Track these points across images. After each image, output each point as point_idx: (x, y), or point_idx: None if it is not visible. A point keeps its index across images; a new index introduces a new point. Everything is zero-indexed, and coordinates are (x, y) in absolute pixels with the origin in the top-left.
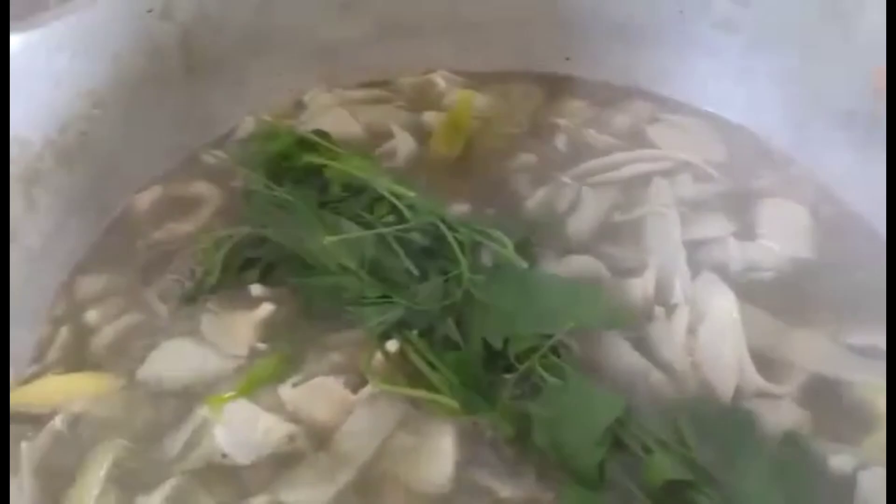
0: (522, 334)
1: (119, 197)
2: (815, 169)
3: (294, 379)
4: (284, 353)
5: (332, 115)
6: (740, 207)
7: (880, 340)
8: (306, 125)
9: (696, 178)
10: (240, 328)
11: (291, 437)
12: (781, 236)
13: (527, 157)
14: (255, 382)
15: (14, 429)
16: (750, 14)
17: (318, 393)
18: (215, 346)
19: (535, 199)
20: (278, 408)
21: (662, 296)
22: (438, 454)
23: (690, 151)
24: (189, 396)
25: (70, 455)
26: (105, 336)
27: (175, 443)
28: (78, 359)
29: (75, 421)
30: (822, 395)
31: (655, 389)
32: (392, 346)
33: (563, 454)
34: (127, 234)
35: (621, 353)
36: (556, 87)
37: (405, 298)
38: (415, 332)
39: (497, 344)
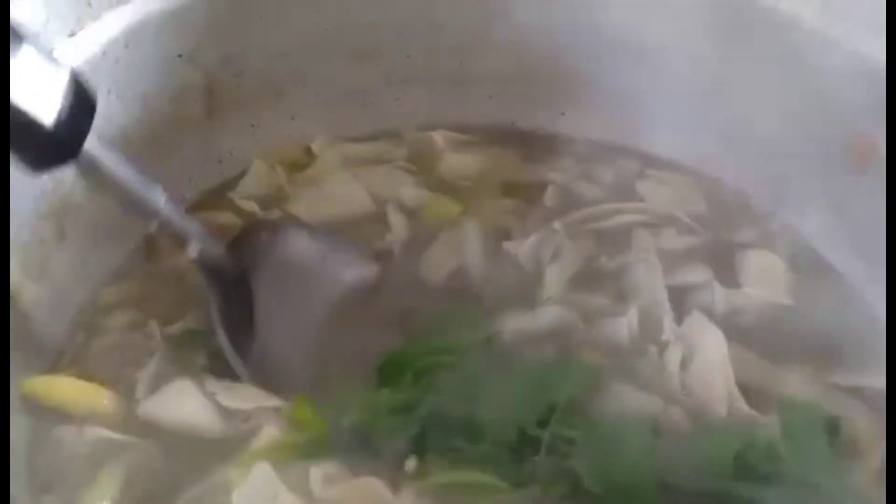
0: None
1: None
2: (794, 223)
3: (327, 465)
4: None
5: (339, 180)
6: (722, 257)
7: (862, 381)
8: (313, 190)
9: (679, 231)
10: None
11: None
12: (761, 284)
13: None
14: (286, 451)
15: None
16: (732, 81)
17: (354, 489)
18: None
19: (524, 248)
20: (302, 489)
21: (651, 334)
22: None
23: (674, 205)
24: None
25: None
26: (112, 357)
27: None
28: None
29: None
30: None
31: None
32: (410, 465)
33: (621, 493)
34: (148, 260)
35: (627, 397)
36: (546, 143)
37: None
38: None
39: (512, 435)
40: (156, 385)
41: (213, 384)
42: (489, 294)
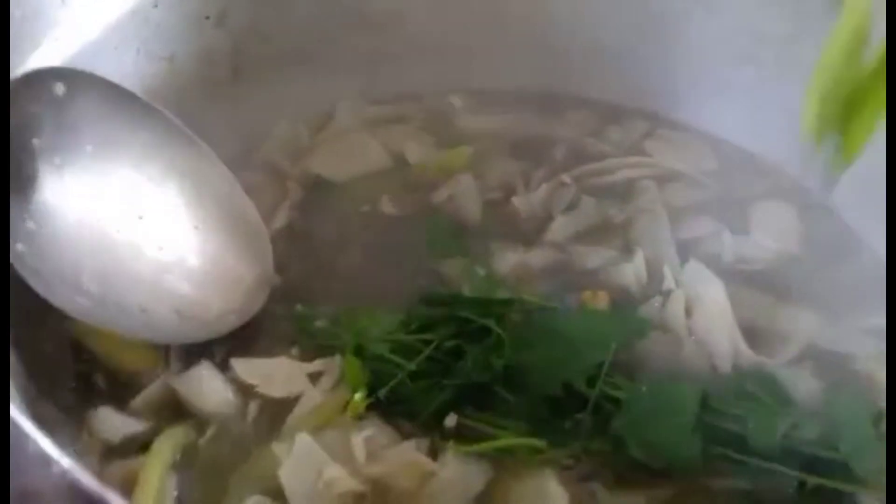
0: (576, 371)
1: None
2: (803, 177)
3: (368, 430)
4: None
5: (358, 138)
6: (732, 209)
7: (876, 321)
8: (333, 147)
9: (687, 185)
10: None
11: (358, 498)
12: (771, 234)
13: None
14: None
15: None
16: (757, 50)
17: (396, 459)
18: None
19: (532, 201)
20: (346, 458)
21: (656, 284)
22: (548, 498)
23: (683, 162)
24: None
25: None
26: None
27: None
28: None
29: None
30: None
31: (691, 361)
32: (451, 420)
33: (663, 457)
34: None
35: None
36: (560, 103)
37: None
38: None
39: (557, 390)
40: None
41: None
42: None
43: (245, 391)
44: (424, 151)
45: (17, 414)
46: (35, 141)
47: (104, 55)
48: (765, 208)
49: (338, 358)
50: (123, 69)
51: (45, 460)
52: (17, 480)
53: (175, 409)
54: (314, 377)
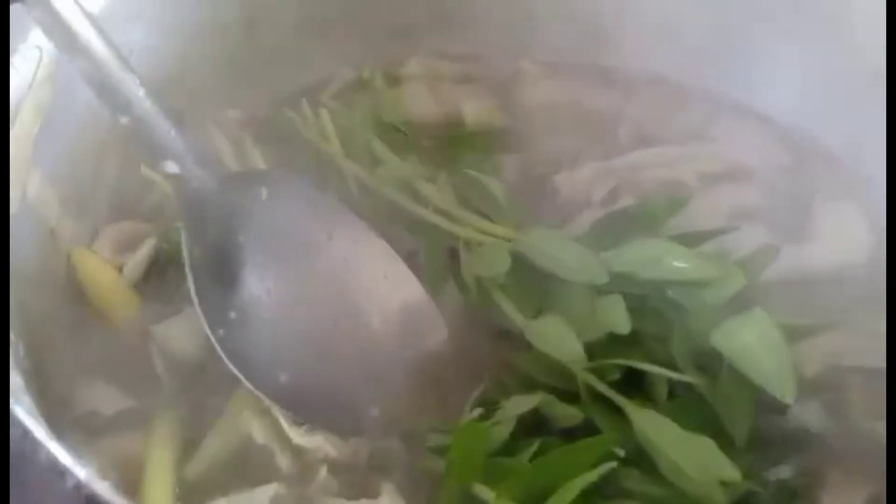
0: None
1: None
2: (875, 177)
3: None
4: None
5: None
6: (791, 213)
7: None
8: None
9: (749, 183)
10: None
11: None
12: (835, 242)
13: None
14: None
15: None
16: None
17: None
18: None
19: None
20: None
21: None
22: None
23: (749, 154)
24: None
25: None
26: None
27: None
28: None
29: None
30: None
31: None
32: None
33: None
34: None
35: None
36: (627, 80)
37: None
38: None
39: None
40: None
41: None
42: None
43: None
44: (484, 114)
45: (25, 417)
46: (241, 238)
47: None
48: (831, 213)
49: None
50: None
51: (58, 471)
52: (24, 496)
53: None
54: None
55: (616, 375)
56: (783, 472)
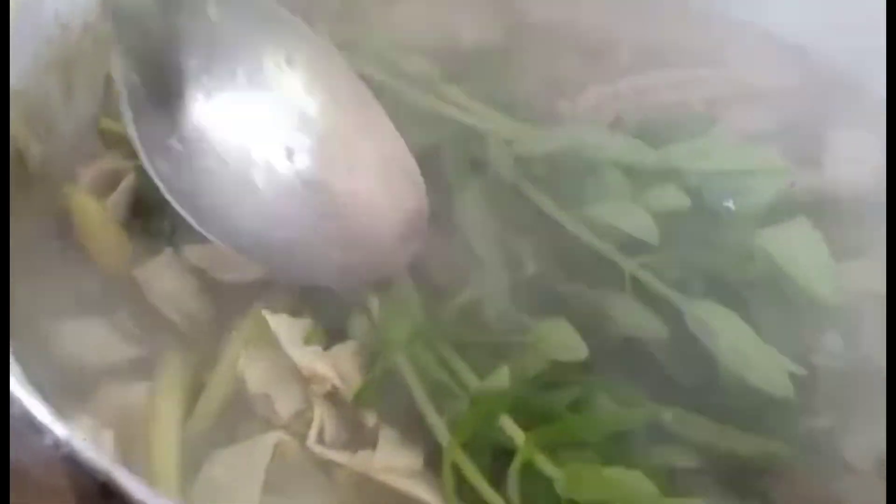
0: None
1: None
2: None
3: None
4: None
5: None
6: (808, 136)
7: None
8: None
9: (758, 106)
10: None
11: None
12: (849, 166)
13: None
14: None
15: None
16: None
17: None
18: None
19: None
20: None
21: None
22: None
23: (758, 76)
24: None
25: None
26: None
27: None
28: None
29: None
30: None
31: None
32: None
33: None
34: None
35: None
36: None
37: None
38: None
39: None
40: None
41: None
42: None
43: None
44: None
45: None
46: (182, 60)
47: None
48: (845, 139)
49: None
50: None
51: (35, 428)
52: None
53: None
54: None
55: (672, 273)
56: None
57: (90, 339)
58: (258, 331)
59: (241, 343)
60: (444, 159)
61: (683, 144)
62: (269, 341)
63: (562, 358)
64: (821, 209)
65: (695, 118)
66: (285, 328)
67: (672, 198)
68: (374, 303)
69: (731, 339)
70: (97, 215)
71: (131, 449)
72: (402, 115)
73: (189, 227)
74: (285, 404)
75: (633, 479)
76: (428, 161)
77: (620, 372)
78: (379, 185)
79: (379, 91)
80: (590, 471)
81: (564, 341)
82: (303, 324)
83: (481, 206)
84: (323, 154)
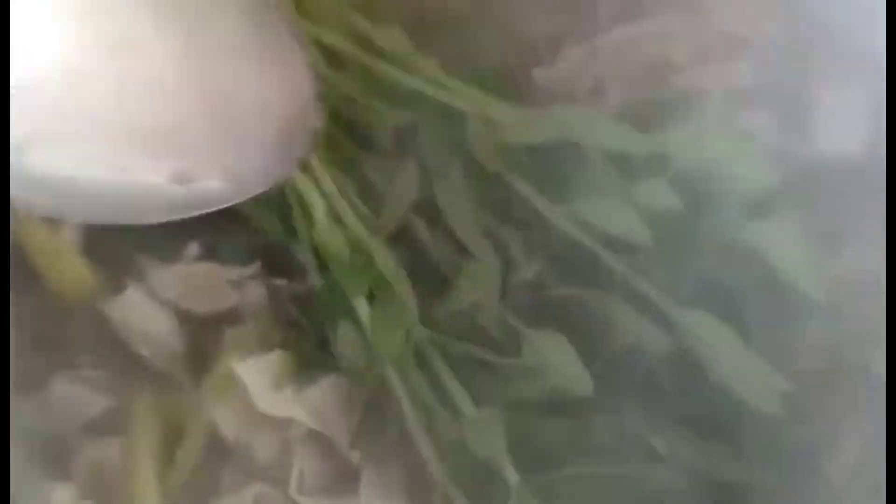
0: None
1: None
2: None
3: None
4: None
5: None
6: (792, 96)
7: None
8: None
9: (746, 62)
10: None
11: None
12: (832, 127)
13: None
14: None
15: None
16: None
17: None
18: None
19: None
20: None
21: None
22: None
23: (743, 25)
24: None
25: None
26: None
27: None
28: None
29: None
30: None
31: None
32: None
33: None
34: None
35: None
36: None
37: None
38: None
39: None
40: None
41: None
42: None
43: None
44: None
45: None
46: None
47: None
48: (835, 99)
49: None
50: None
51: None
52: None
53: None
54: None
55: (666, 274)
56: None
57: (62, 394)
58: (229, 377)
59: (214, 391)
60: (421, 142)
61: (673, 132)
62: (242, 387)
63: (567, 389)
64: (810, 184)
65: (681, 97)
66: (253, 374)
67: (664, 197)
68: (364, 308)
69: (722, 351)
70: (50, 243)
71: None
72: (373, 91)
73: (157, 252)
74: (263, 452)
75: None
76: (405, 143)
77: (618, 386)
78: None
79: (345, 64)
80: None
81: (568, 369)
82: (273, 360)
83: (466, 194)
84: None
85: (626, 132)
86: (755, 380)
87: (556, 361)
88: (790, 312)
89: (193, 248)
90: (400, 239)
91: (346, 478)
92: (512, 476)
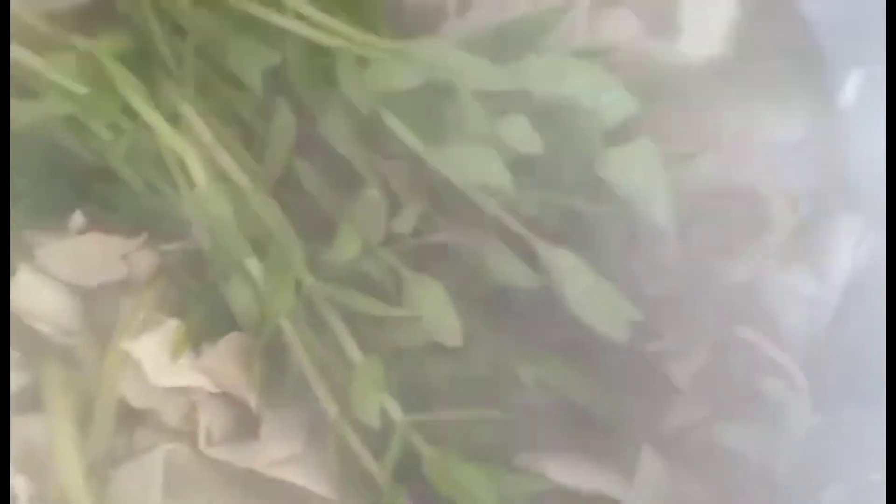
0: None
1: None
2: None
3: None
4: None
5: None
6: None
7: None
8: None
9: None
10: None
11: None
12: (701, 28)
13: None
14: None
15: None
16: None
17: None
18: None
19: None
20: None
21: None
22: None
23: None
24: None
25: None
26: None
27: None
28: None
29: None
30: None
31: None
32: None
33: None
34: None
35: None
36: None
37: None
38: None
39: None
40: None
41: None
42: None
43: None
44: None
45: None
46: None
47: None
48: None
49: None
50: None
51: None
52: None
53: None
54: None
55: (532, 211)
56: None
57: None
58: (127, 353)
59: (115, 367)
60: (294, 81)
61: (534, 62)
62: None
63: (440, 340)
64: (676, 91)
65: (542, 21)
66: (147, 351)
67: (526, 139)
68: (255, 264)
69: (579, 286)
70: None
71: (45, 485)
72: (241, 29)
73: (41, 225)
74: (170, 415)
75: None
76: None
77: (491, 323)
78: None
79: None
80: (453, 465)
81: (443, 321)
82: (169, 329)
83: (347, 129)
84: None
85: (490, 69)
86: (606, 309)
87: (432, 311)
88: (641, 239)
89: (78, 219)
90: (282, 183)
91: (249, 425)
92: (397, 415)
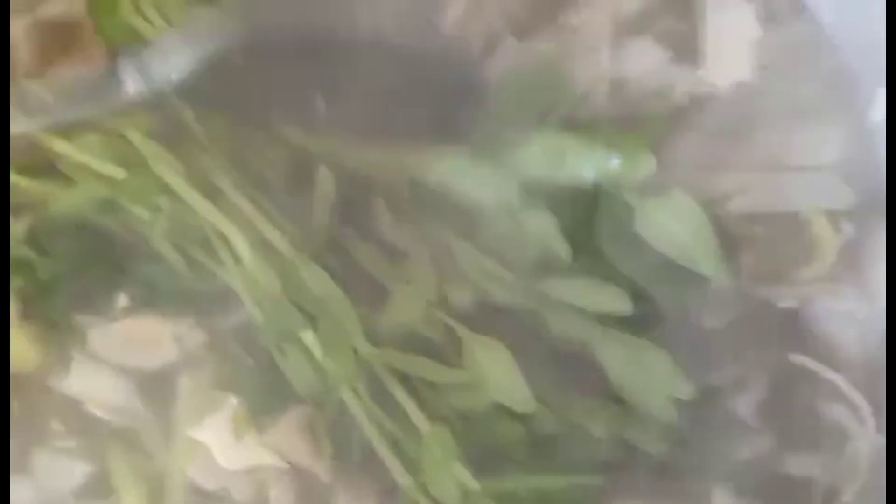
0: None
1: None
2: None
3: None
4: None
5: None
6: (681, 17)
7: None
8: None
9: None
10: None
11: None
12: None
13: None
14: None
15: None
16: None
17: None
18: None
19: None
20: None
21: None
22: None
23: None
24: None
25: None
26: None
27: None
28: None
29: None
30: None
31: None
32: None
33: None
34: None
35: None
36: None
37: None
38: None
39: None
40: None
41: None
42: None
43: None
44: None
45: None
46: None
47: None
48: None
49: None
50: None
51: None
52: None
53: None
54: None
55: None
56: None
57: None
58: (192, 439)
59: (182, 454)
60: None
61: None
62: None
63: (509, 405)
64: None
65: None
66: (214, 435)
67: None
68: (308, 333)
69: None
70: None
71: None
72: None
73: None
74: (242, 492)
75: None
76: None
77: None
78: None
79: None
80: None
81: (510, 385)
82: (229, 408)
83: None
84: None
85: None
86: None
87: (496, 373)
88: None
89: (122, 301)
90: (328, 251)
91: (321, 498)
92: (471, 484)
